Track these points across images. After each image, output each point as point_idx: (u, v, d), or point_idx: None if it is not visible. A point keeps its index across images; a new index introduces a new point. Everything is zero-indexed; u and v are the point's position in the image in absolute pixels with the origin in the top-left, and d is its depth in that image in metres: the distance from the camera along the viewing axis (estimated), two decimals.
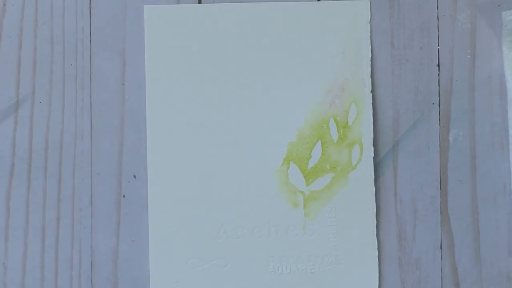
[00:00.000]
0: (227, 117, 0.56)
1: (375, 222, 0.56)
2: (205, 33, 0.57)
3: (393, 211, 0.57)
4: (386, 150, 0.57)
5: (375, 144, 0.57)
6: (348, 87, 0.56)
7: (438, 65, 0.57)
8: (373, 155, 0.56)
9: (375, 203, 0.56)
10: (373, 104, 0.57)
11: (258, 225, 0.56)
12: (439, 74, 0.57)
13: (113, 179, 0.57)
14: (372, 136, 0.56)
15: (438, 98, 0.57)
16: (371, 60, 0.57)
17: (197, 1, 0.57)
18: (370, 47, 0.57)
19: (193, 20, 0.57)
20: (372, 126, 0.56)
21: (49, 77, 0.57)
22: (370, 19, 0.57)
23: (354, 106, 0.56)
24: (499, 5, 0.57)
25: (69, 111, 0.57)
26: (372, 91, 0.57)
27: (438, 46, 0.57)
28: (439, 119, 0.57)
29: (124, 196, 0.57)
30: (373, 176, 0.56)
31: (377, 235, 0.56)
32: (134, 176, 0.57)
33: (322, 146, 0.56)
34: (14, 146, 0.56)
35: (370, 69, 0.57)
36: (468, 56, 0.57)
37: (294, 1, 0.57)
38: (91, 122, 0.57)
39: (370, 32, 0.57)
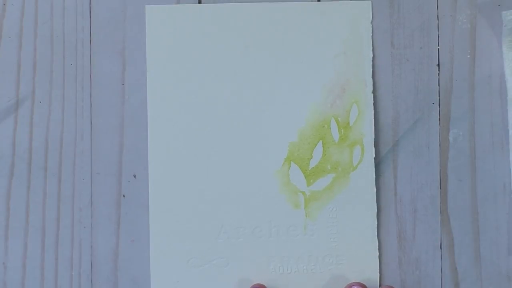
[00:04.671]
0: (227, 117, 0.56)
1: (376, 222, 0.56)
2: (205, 33, 0.57)
3: (393, 211, 0.57)
4: (386, 150, 0.57)
5: (375, 144, 0.57)
6: (349, 87, 0.56)
7: (438, 65, 0.57)
8: (374, 156, 0.56)
9: (376, 204, 0.56)
10: (373, 104, 0.57)
11: (259, 225, 0.56)
12: (439, 74, 0.57)
13: (113, 179, 0.57)
14: (373, 136, 0.56)
15: (438, 98, 0.57)
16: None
17: (197, 1, 0.57)
18: (371, 47, 0.57)
19: (193, 20, 0.57)
20: (373, 127, 0.56)
21: (49, 77, 0.57)
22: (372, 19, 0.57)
23: (355, 107, 0.56)
24: (499, 5, 0.57)
25: (69, 111, 0.57)
26: (372, 91, 0.57)
27: (438, 46, 0.57)
28: (439, 119, 0.57)
29: (124, 196, 0.56)
30: (374, 176, 0.56)
31: (377, 235, 0.56)
32: (134, 176, 0.57)
33: (323, 146, 0.56)
34: (14, 146, 0.56)
35: (371, 69, 0.57)
36: (468, 56, 0.57)
37: (294, 1, 0.57)
38: (91, 122, 0.57)
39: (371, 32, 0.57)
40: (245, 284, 0.56)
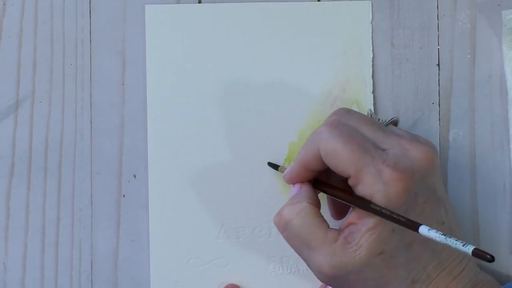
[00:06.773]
0: (227, 117, 0.56)
1: None
2: (205, 33, 0.57)
3: None
4: None
5: None
6: (349, 87, 0.56)
7: (438, 65, 0.57)
8: None
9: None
10: (373, 104, 0.57)
11: (259, 225, 0.56)
12: (439, 74, 0.57)
13: (113, 179, 0.57)
14: None
15: (438, 97, 0.57)
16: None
17: (197, 1, 0.57)
18: (371, 47, 0.57)
19: (193, 20, 0.57)
20: None
21: (49, 77, 0.57)
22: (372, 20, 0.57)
23: (355, 107, 0.56)
24: (499, 5, 0.57)
25: (69, 111, 0.57)
26: (372, 91, 0.57)
27: (438, 46, 0.57)
28: (439, 118, 0.57)
29: (124, 196, 0.56)
30: None
31: None
32: (134, 176, 0.57)
33: None
34: (14, 146, 0.56)
35: (371, 69, 0.57)
36: (468, 56, 0.57)
37: (294, 1, 0.57)
38: (91, 122, 0.57)
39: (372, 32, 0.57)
40: (245, 284, 0.56)
